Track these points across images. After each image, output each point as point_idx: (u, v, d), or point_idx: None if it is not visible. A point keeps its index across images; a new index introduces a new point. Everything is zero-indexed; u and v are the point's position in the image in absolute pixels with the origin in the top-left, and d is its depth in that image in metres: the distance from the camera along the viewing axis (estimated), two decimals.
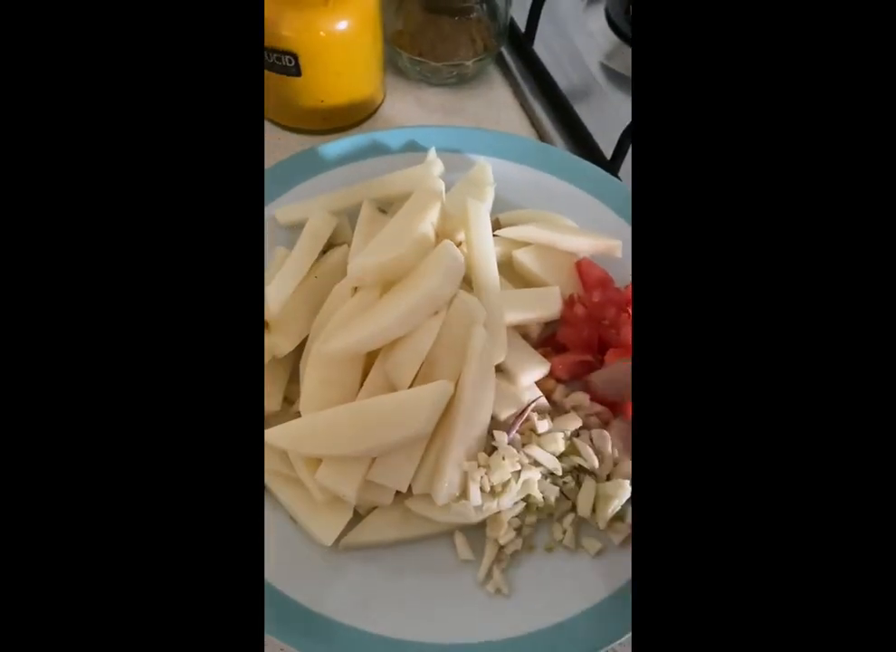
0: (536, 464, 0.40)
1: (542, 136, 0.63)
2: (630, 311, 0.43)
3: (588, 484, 0.40)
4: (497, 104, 0.65)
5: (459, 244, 0.47)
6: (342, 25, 0.53)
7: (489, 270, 0.43)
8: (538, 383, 0.44)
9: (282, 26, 0.51)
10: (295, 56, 0.53)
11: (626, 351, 0.42)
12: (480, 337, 0.39)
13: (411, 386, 0.39)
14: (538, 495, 0.39)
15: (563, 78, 0.66)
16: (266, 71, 0.55)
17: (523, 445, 0.41)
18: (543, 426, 0.41)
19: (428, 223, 0.44)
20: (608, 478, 0.40)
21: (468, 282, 0.45)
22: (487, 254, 0.44)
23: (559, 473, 0.40)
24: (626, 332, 0.43)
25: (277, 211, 0.50)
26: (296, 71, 0.54)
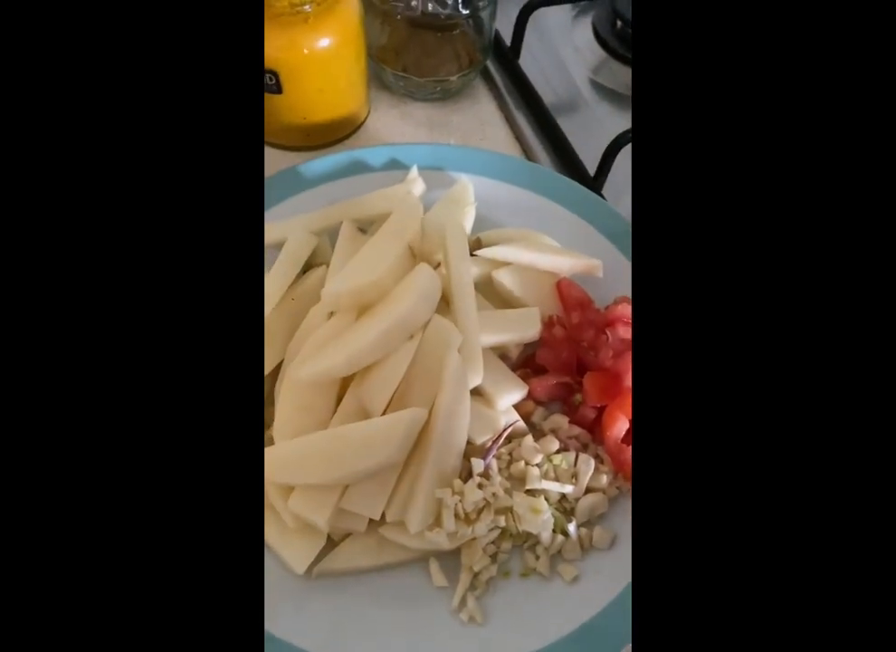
0: (510, 490, 0.39)
1: (526, 151, 0.63)
2: (608, 334, 0.43)
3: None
4: (482, 119, 0.65)
5: (437, 265, 0.46)
6: (324, 43, 0.52)
7: (465, 293, 0.43)
8: (516, 406, 0.44)
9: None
10: (276, 74, 0.52)
11: (604, 374, 0.42)
12: (454, 362, 0.39)
13: (385, 412, 0.39)
14: (512, 522, 0.39)
15: (549, 92, 0.66)
16: None
17: (508, 466, 0.41)
18: (528, 447, 0.41)
19: (405, 245, 0.43)
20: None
21: (448, 303, 0.44)
22: (464, 276, 0.43)
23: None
24: (605, 355, 0.42)
25: None
26: (277, 89, 0.54)
